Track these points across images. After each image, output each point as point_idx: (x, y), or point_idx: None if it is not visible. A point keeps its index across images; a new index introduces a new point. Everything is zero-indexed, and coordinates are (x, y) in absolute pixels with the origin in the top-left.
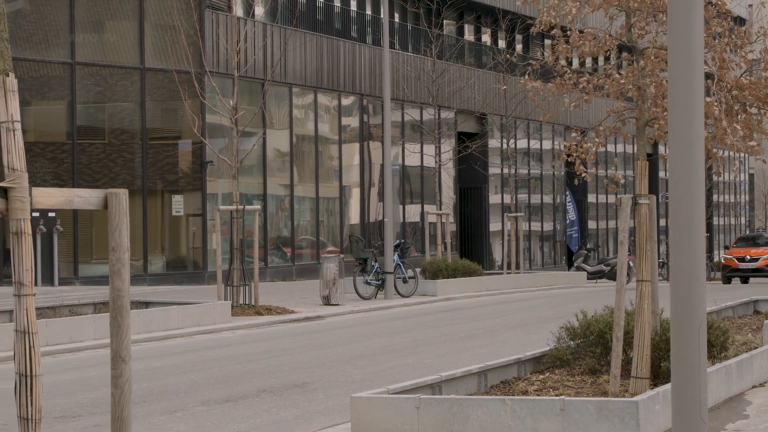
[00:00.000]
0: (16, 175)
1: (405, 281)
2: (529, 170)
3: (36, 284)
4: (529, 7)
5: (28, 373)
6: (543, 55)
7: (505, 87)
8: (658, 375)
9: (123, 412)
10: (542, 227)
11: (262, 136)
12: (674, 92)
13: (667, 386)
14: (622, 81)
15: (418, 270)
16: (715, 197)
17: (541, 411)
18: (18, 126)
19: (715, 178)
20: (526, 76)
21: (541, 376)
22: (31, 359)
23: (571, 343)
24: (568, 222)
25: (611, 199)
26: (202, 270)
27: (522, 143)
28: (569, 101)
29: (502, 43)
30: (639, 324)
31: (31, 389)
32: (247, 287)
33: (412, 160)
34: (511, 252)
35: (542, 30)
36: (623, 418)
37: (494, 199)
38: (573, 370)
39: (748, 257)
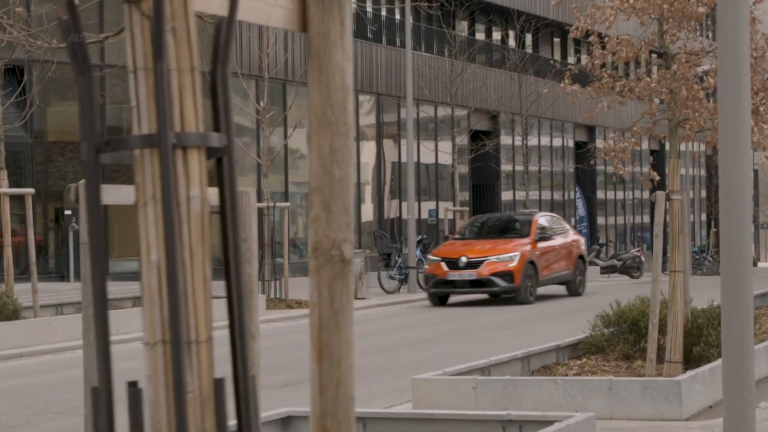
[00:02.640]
0: None
1: None
2: (540, 167)
3: (68, 280)
4: (542, 7)
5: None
6: (554, 53)
7: (546, 90)
8: (690, 359)
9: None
10: None
11: (290, 135)
12: (724, 96)
13: (705, 368)
14: (653, 84)
15: None
16: None
17: (591, 390)
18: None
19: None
20: (566, 80)
21: (578, 362)
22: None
23: (605, 330)
24: (577, 218)
25: (620, 195)
26: None
27: (533, 141)
28: (606, 104)
29: (511, 43)
30: (672, 311)
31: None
32: (277, 282)
33: (427, 158)
34: None
35: (579, 36)
36: (667, 396)
37: (506, 195)
38: (608, 356)
39: (464, 260)
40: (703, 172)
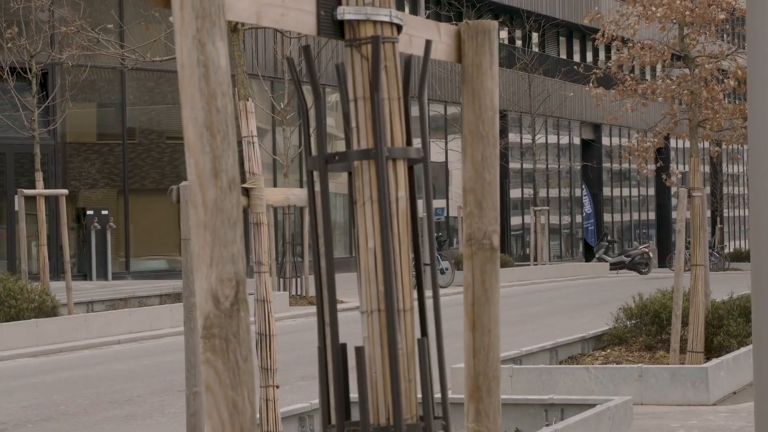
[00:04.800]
0: (255, 178)
1: (442, 272)
2: (547, 165)
3: (90, 279)
4: (548, 7)
5: (267, 332)
6: (560, 53)
7: (572, 93)
8: (711, 349)
9: None
10: (560, 220)
11: (310, 135)
12: (753, 95)
13: (729, 356)
14: (673, 87)
15: (453, 262)
16: (728, 189)
17: (621, 377)
18: (255, 140)
19: (726, 170)
20: (591, 84)
21: (603, 353)
22: (268, 321)
23: (628, 323)
24: (584, 215)
25: (625, 192)
26: (248, 264)
27: (541, 139)
28: (630, 106)
29: (519, 42)
30: (694, 304)
31: (270, 346)
32: (298, 279)
33: (437, 156)
34: (537, 244)
35: (605, 42)
36: (694, 382)
37: (514, 193)
38: (630, 347)
39: None
40: (707, 169)
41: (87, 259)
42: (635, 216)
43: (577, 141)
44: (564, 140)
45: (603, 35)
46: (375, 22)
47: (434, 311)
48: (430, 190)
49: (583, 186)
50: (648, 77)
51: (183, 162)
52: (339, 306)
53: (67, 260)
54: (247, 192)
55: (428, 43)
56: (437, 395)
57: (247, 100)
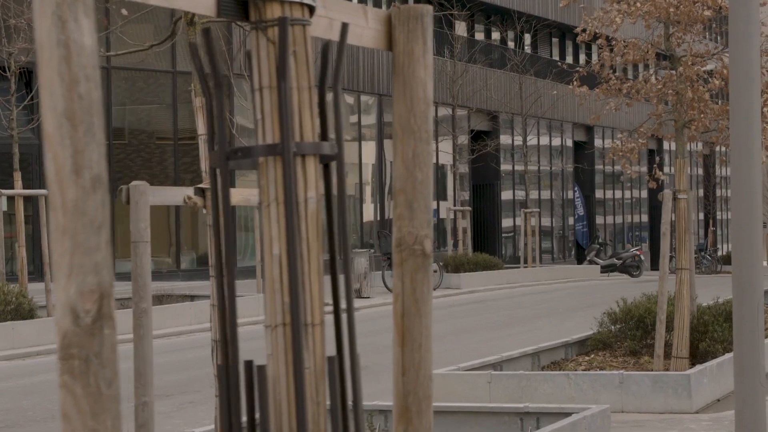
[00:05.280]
0: None
1: None
2: (539, 167)
3: None
4: (540, 8)
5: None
6: (552, 53)
7: (555, 92)
8: (696, 355)
9: None
10: (552, 222)
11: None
12: (735, 96)
13: (713, 362)
14: (659, 86)
15: (441, 264)
16: (720, 192)
17: (602, 384)
18: None
19: (719, 173)
20: (574, 82)
21: (587, 358)
22: None
23: (612, 327)
24: (576, 217)
25: (618, 194)
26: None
27: (533, 141)
28: (614, 105)
29: (511, 44)
30: (679, 308)
31: None
32: None
33: None
34: (528, 247)
35: (587, 40)
36: (676, 389)
37: (506, 195)
38: (615, 352)
39: None
40: (700, 171)
41: None
42: (628, 218)
43: (569, 143)
44: (556, 142)
45: (585, 31)
46: (283, 2)
47: (348, 325)
48: (344, 189)
49: (576, 188)
50: (633, 77)
51: (168, 162)
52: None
53: (47, 261)
54: (203, 192)
55: (344, 26)
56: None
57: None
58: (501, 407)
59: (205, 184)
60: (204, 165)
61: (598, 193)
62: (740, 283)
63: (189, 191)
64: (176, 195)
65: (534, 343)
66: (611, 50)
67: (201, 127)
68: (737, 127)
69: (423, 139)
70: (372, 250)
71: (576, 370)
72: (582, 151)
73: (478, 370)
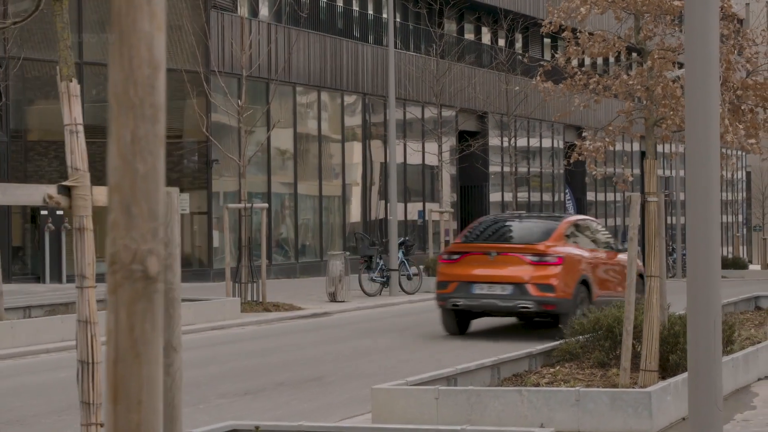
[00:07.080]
0: (79, 174)
1: (409, 278)
2: (528, 168)
3: (44, 281)
4: (531, 7)
5: (90, 360)
6: (544, 53)
7: (517, 88)
8: (666, 368)
9: (174, 399)
10: None
11: (268, 135)
12: (691, 94)
13: (678, 378)
14: (630, 82)
15: (421, 267)
16: None
17: (557, 401)
18: (80, 128)
19: None
20: (538, 77)
21: (551, 370)
22: (92, 347)
23: (580, 337)
24: None
25: (609, 197)
26: (207, 267)
27: (522, 141)
28: (579, 101)
29: (501, 42)
30: (648, 318)
31: (93, 376)
32: (254, 284)
33: (414, 159)
34: None
35: (552, 31)
36: (636, 408)
37: (495, 197)
38: (582, 363)
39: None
40: (682, 174)
41: (41, 261)
42: (619, 221)
43: (559, 144)
44: (546, 143)
45: (550, 23)
46: None
47: None
48: None
49: (567, 190)
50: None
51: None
52: (296, 312)
53: None
54: (68, 191)
55: None
56: None
57: (71, 81)
58: (438, 430)
59: (72, 182)
60: (70, 160)
61: (590, 195)
62: (695, 296)
63: (51, 189)
64: (33, 194)
65: (505, 351)
66: (577, 43)
67: (67, 116)
68: (694, 128)
69: (147, 117)
70: (348, 253)
71: (539, 383)
72: (567, 151)
73: (428, 385)
